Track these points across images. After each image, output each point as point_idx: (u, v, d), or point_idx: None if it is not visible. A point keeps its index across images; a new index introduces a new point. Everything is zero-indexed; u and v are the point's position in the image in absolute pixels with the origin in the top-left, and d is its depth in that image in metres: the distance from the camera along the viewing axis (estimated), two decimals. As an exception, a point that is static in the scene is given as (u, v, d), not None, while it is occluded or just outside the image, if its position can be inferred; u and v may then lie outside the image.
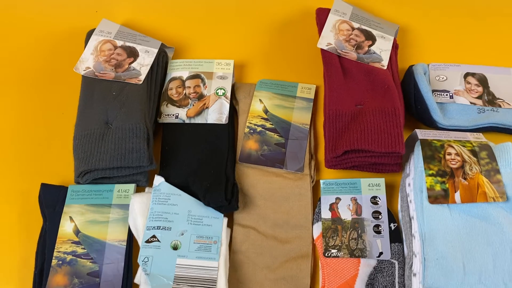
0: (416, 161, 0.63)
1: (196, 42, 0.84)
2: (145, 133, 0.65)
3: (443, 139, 0.63)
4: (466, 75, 0.75)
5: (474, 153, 0.61)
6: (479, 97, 0.73)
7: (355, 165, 0.66)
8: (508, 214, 0.58)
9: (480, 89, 0.74)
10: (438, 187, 0.60)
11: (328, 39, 0.73)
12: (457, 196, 0.59)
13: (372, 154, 0.64)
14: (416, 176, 0.62)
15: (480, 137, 0.63)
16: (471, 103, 0.72)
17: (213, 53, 0.83)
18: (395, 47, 0.76)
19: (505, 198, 0.58)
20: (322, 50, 0.72)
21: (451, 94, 0.73)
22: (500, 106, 0.72)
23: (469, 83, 0.74)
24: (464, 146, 0.62)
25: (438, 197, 0.59)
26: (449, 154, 0.61)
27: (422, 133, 0.64)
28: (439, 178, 0.60)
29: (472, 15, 0.85)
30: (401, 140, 0.63)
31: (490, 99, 0.73)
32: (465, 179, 0.60)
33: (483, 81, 0.74)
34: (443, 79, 0.75)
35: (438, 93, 0.73)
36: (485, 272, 0.54)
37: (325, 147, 0.67)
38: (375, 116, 0.65)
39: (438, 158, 0.61)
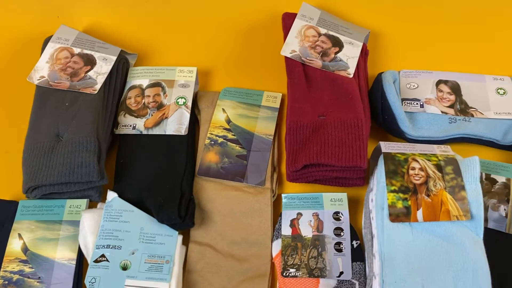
0: (378, 176, 0.60)
1: (161, 49, 0.81)
2: (96, 147, 0.62)
3: (407, 153, 0.60)
4: (439, 82, 0.72)
5: (439, 167, 0.58)
6: (451, 106, 0.70)
7: (317, 179, 0.63)
8: (472, 233, 0.55)
9: (453, 97, 0.71)
10: (400, 204, 0.57)
11: (292, 46, 0.70)
12: (420, 214, 0.56)
13: (332, 168, 0.61)
14: (378, 192, 0.59)
15: (447, 150, 0.60)
16: (442, 112, 0.69)
17: (178, 60, 0.80)
18: (364, 53, 0.73)
19: (469, 217, 0.55)
20: (286, 57, 0.70)
21: (421, 103, 0.70)
22: (472, 115, 0.69)
23: (441, 91, 0.71)
24: (429, 160, 0.59)
25: (399, 215, 0.56)
26: (413, 169, 0.59)
27: (386, 146, 0.61)
28: (401, 195, 0.57)
29: (447, 20, 0.82)
30: (362, 153, 0.60)
31: (463, 108, 0.70)
32: (428, 196, 0.57)
33: (456, 89, 0.71)
34: (414, 87, 0.72)
35: (408, 102, 0.70)
36: (445, 296, 0.52)
37: (286, 160, 0.64)
38: (337, 128, 0.62)
39: (401, 173, 0.58)
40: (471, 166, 0.57)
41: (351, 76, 0.68)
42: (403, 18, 0.82)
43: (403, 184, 0.58)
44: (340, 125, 0.62)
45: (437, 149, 0.61)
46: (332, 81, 0.67)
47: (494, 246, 0.58)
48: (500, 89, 0.71)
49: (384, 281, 0.53)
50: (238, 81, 0.77)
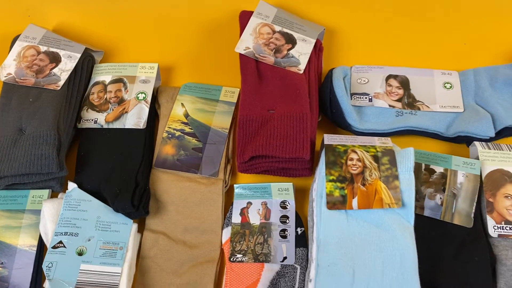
0: (320, 167, 0.63)
1: (127, 46, 0.85)
2: (56, 140, 0.66)
3: (348, 144, 0.63)
4: (388, 77, 0.75)
5: (376, 158, 0.62)
6: (399, 100, 0.73)
7: (265, 170, 0.67)
8: (403, 220, 0.58)
9: (401, 91, 0.74)
10: (337, 193, 0.60)
11: (247, 43, 0.74)
12: (355, 202, 0.59)
13: (278, 160, 0.65)
14: (319, 182, 0.62)
15: (387, 142, 0.64)
16: (390, 106, 0.72)
17: (144, 57, 0.83)
18: (318, 49, 0.76)
19: (401, 205, 0.58)
20: (240, 54, 0.73)
21: (370, 97, 0.73)
22: (419, 108, 0.72)
23: (390, 85, 0.74)
24: (367, 151, 0.62)
25: (336, 203, 0.60)
26: (351, 159, 0.62)
27: (329, 138, 0.64)
28: (338, 184, 0.61)
29: (401, 18, 0.85)
30: (305, 145, 0.64)
31: (410, 102, 0.73)
32: (364, 185, 0.60)
33: (405, 83, 0.75)
34: (364, 82, 0.75)
35: (358, 96, 0.73)
36: (373, 279, 0.55)
37: (236, 152, 0.68)
38: (283, 121, 0.65)
39: (340, 163, 0.62)
40: (406, 157, 0.61)
41: (302, 72, 0.71)
42: (358, 15, 0.85)
43: (341, 174, 0.61)
44: (286, 119, 0.66)
45: (377, 141, 0.64)
46: (283, 77, 0.70)
47: (429, 233, 0.62)
48: (447, 83, 0.74)
49: (318, 265, 0.57)
50: (199, 77, 0.81)
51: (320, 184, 0.62)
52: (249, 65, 0.71)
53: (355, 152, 0.62)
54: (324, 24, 0.82)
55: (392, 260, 0.55)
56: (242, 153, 0.65)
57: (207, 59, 0.82)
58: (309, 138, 0.64)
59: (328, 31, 0.83)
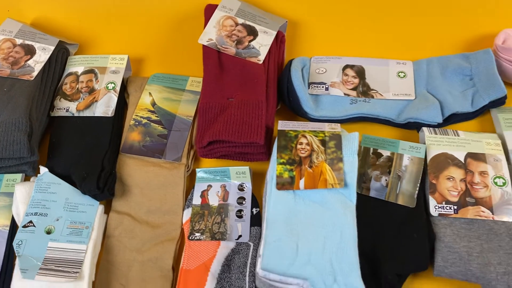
0: (274, 151, 0.67)
1: (101, 39, 0.89)
2: (27, 127, 0.70)
3: (299, 130, 0.67)
4: (345, 67, 0.79)
5: (323, 142, 0.66)
6: (354, 89, 0.77)
7: (224, 155, 0.71)
8: (346, 199, 0.62)
9: (356, 80, 0.78)
10: (286, 175, 0.64)
11: (210, 35, 0.78)
12: (302, 183, 0.64)
13: (235, 144, 0.69)
14: (271, 165, 0.66)
15: (336, 128, 0.68)
16: (345, 94, 0.76)
17: (116, 49, 0.88)
18: (280, 41, 0.80)
19: (343, 185, 0.62)
20: (203, 45, 0.77)
21: (327, 86, 0.77)
22: (372, 96, 0.76)
23: (346, 75, 0.78)
24: (316, 136, 0.66)
25: (285, 184, 0.64)
26: (301, 143, 0.66)
27: (283, 124, 0.69)
28: (288, 166, 0.65)
29: (361, 9, 0.88)
30: (260, 131, 0.68)
31: (365, 90, 0.77)
32: (311, 167, 0.64)
33: (360, 73, 0.78)
34: (322, 72, 0.79)
35: (315, 85, 0.77)
36: (315, 253, 0.59)
37: (195, 138, 0.72)
38: (240, 109, 0.69)
39: (290, 147, 0.66)
40: (351, 141, 0.65)
41: (261, 62, 0.75)
42: (321, 8, 0.89)
43: (290, 157, 0.65)
44: (243, 106, 0.70)
45: (327, 127, 0.68)
46: (242, 67, 0.74)
47: (374, 212, 0.66)
48: (401, 72, 0.78)
49: (266, 241, 0.61)
50: (169, 68, 0.85)
51: (272, 167, 0.66)
52: (211, 55, 0.75)
53: (305, 136, 0.66)
54: (288, 17, 0.86)
55: (333, 236, 0.60)
56: (201, 139, 0.69)
57: (176, 50, 0.86)
58: (264, 124, 0.68)
59: (292, 23, 0.87)
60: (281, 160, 0.65)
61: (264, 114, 0.69)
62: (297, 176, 0.64)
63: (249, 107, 0.69)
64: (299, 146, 0.66)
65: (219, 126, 0.68)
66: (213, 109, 0.71)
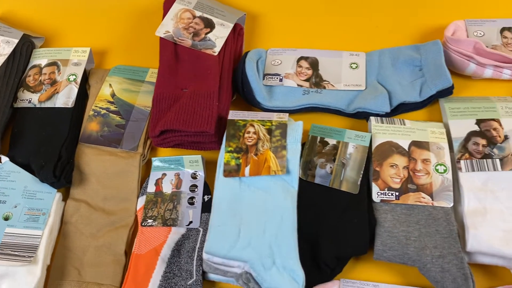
0: (224, 140, 0.70)
1: (67, 32, 0.92)
2: (-12, 117, 0.73)
3: (248, 119, 0.69)
4: (300, 59, 0.81)
5: (270, 131, 0.68)
6: (307, 80, 0.79)
7: (178, 144, 0.73)
8: (288, 185, 0.65)
9: (310, 72, 0.80)
10: (233, 162, 0.67)
11: (167, 27, 0.80)
12: (247, 170, 0.66)
13: (186, 134, 0.71)
14: (221, 153, 0.69)
15: (283, 117, 0.70)
16: (298, 85, 0.78)
17: (82, 41, 0.90)
18: (238, 33, 0.82)
19: (285, 171, 0.64)
20: (160, 38, 0.79)
21: (281, 78, 0.79)
22: (324, 87, 0.78)
23: (300, 66, 0.80)
24: (263, 125, 0.69)
25: (231, 171, 0.66)
26: (248, 132, 0.68)
27: (233, 114, 0.71)
28: (235, 154, 0.67)
29: (320, 2, 0.90)
30: (210, 121, 0.70)
31: (317, 81, 0.79)
32: (256, 155, 0.66)
33: (314, 64, 0.80)
34: (277, 63, 0.81)
35: (270, 76, 0.79)
36: (255, 237, 0.62)
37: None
38: (192, 99, 0.72)
39: (239, 136, 0.68)
40: (295, 129, 0.67)
41: (216, 54, 0.77)
42: (280, 1, 0.90)
43: (238, 146, 0.68)
44: (195, 97, 0.72)
45: (275, 116, 0.70)
46: (197, 58, 0.76)
47: (318, 198, 0.68)
48: (354, 63, 0.80)
49: (210, 225, 0.64)
50: (131, 60, 0.87)
51: (221, 155, 0.68)
52: (167, 47, 0.77)
53: (253, 125, 0.69)
54: (248, 10, 0.88)
55: (273, 220, 0.62)
56: (154, 128, 0.71)
57: (139, 43, 0.89)
58: (215, 114, 0.70)
59: (252, 16, 0.88)
60: (229, 148, 0.67)
61: (215, 104, 0.71)
62: (243, 164, 0.66)
63: (201, 97, 0.72)
64: (246, 135, 0.68)
65: (171, 116, 0.70)
66: (167, 100, 0.73)
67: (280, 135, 0.67)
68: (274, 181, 0.65)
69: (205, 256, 0.62)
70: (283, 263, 0.60)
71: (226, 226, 0.62)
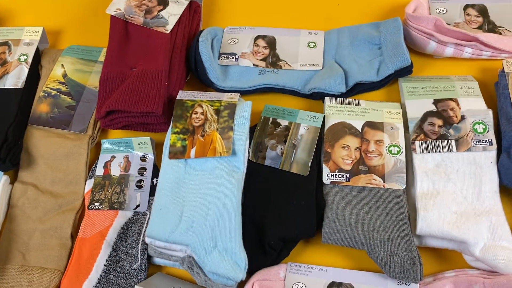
0: (172, 121, 0.67)
1: (21, 11, 0.88)
2: None
3: (196, 100, 0.67)
4: (257, 37, 0.78)
5: (217, 112, 0.65)
6: (263, 59, 0.76)
7: (126, 125, 0.71)
8: (234, 167, 0.62)
9: (267, 51, 0.77)
10: (179, 144, 0.64)
11: (118, 5, 0.76)
12: (193, 152, 0.63)
13: (133, 114, 0.68)
14: (167, 134, 0.66)
15: (234, 97, 0.67)
16: (254, 65, 0.76)
17: (36, 21, 0.87)
18: (194, 11, 0.79)
19: (230, 153, 0.62)
20: (111, 16, 0.76)
21: (237, 57, 0.76)
22: (281, 67, 0.75)
23: (257, 45, 0.77)
24: (212, 105, 0.66)
25: (177, 153, 0.64)
26: (196, 113, 0.66)
27: (182, 94, 0.68)
28: (181, 136, 0.64)
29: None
30: (158, 101, 0.67)
31: (274, 61, 0.76)
32: (203, 136, 0.64)
33: (271, 43, 0.77)
34: (234, 42, 0.78)
35: (226, 56, 0.76)
36: (197, 220, 0.59)
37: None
38: (139, 78, 0.69)
39: (185, 117, 0.66)
40: (243, 109, 0.64)
41: (168, 32, 0.74)
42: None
43: (185, 127, 0.65)
44: (142, 76, 0.69)
45: (225, 97, 0.67)
46: (148, 36, 0.73)
47: (268, 181, 0.66)
48: (312, 42, 0.77)
49: (153, 209, 0.62)
50: (87, 40, 0.84)
51: (167, 136, 0.66)
52: (117, 25, 0.74)
53: (201, 106, 0.66)
54: (207, -13, 0.85)
55: (216, 202, 0.60)
56: (100, 109, 0.69)
57: (94, 22, 0.85)
58: (163, 94, 0.68)
59: (213, -6, 0.85)
60: (176, 130, 0.65)
61: (163, 84, 0.68)
62: (189, 145, 0.64)
63: (149, 77, 0.69)
64: (193, 116, 0.65)
65: (116, 96, 0.67)
66: (114, 79, 0.70)
67: (228, 116, 0.64)
68: (220, 163, 0.62)
69: (147, 239, 0.60)
70: (224, 245, 0.58)
71: (168, 209, 0.60)
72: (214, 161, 0.62)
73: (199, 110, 0.66)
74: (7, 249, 0.67)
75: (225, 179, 0.61)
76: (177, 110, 0.66)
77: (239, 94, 0.68)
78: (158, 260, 0.63)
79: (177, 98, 0.67)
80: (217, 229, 0.58)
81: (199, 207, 0.60)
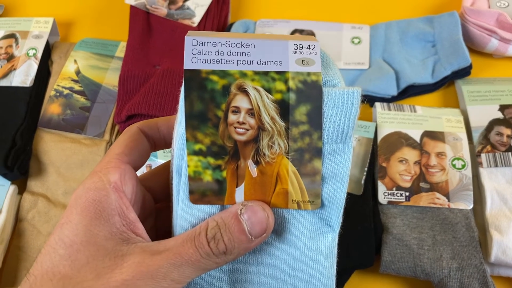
0: (180, 116, 0.29)
1: (30, 0, 0.74)
2: None
3: (232, 70, 0.28)
4: (294, 32, 0.64)
5: (284, 108, 0.28)
6: (302, 56, 0.63)
7: (149, 131, 0.58)
8: (323, 226, 0.31)
9: (305, 47, 0.64)
10: (208, 177, 0.29)
11: (139, -7, 0.63)
12: (240, 193, 0.30)
13: (158, 119, 0.56)
14: (177, 146, 0.29)
15: (310, 57, 0.28)
16: (291, 62, 0.63)
17: (46, 12, 0.73)
18: (222, 2, 0.65)
19: (319, 205, 0.29)
20: (130, 6, 0.62)
21: (272, 53, 0.63)
22: (322, 65, 0.62)
23: (294, 40, 0.64)
24: (268, 90, 0.28)
25: (206, 194, 0.30)
26: (236, 110, 0.28)
27: (193, 42, 0.29)
28: (211, 160, 0.29)
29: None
30: (185, 103, 0.54)
31: (314, 58, 0.63)
32: (257, 163, 0.29)
33: (310, 38, 0.64)
34: (268, 37, 0.65)
35: (259, 52, 0.63)
36: None
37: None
38: (164, 78, 0.55)
39: (215, 118, 0.29)
40: (342, 105, 0.28)
41: (195, 25, 0.61)
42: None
43: (215, 141, 0.29)
44: (168, 75, 0.56)
45: (291, 57, 0.28)
46: (173, 30, 0.60)
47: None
48: (356, 38, 0.63)
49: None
50: (102, 32, 0.70)
51: (179, 150, 0.30)
52: (138, 17, 0.60)
53: (245, 92, 0.28)
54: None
55: None
56: (119, 112, 0.56)
57: (110, 13, 0.71)
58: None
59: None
60: (197, 147, 0.29)
61: (192, 84, 0.55)
62: (230, 180, 0.30)
63: (175, 76, 0.55)
64: (232, 118, 0.29)
65: (139, 98, 0.54)
66: (136, 78, 0.57)
67: (309, 120, 0.28)
68: (297, 218, 0.30)
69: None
70: None
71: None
72: (286, 216, 0.30)
73: (242, 103, 0.29)
74: (15, 268, 0.54)
75: (309, 251, 0.30)
76: (193, 99, 0.28)
77: (317, 42, 0.29)
78: None
79: (186, 68, 0.28)
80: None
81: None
